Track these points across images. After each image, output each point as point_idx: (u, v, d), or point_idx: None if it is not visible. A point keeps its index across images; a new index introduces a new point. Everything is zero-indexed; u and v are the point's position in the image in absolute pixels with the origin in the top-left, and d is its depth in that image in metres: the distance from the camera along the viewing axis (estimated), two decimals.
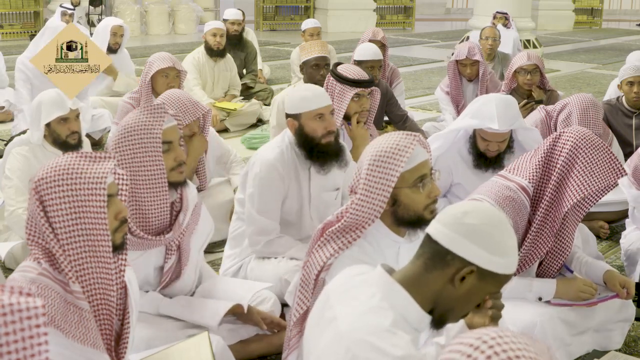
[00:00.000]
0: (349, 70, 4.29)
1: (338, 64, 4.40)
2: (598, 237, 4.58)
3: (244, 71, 8.26)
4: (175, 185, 3.06)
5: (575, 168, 3.06)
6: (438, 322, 1.92)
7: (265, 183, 3.58)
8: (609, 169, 3.04)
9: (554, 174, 3.11)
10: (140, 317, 2.83)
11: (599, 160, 3.05)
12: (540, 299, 3.17)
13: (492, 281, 1.87)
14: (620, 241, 4.24)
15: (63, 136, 4.13)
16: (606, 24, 21.47)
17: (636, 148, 5.12)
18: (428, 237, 1.89)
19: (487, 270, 1.84)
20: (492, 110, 3.88)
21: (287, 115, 3.60)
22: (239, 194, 3.81)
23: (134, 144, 2.92)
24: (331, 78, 4.29)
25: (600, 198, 3.19)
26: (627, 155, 4.84)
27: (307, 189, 3.68)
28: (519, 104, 4.41)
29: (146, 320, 3.00)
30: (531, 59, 5.67)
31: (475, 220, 1.84)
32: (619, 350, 3.35)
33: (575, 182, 3.05)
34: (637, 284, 3.53)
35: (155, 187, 2.95)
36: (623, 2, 24.80)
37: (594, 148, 3.07)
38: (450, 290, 1.87)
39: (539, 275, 3.27)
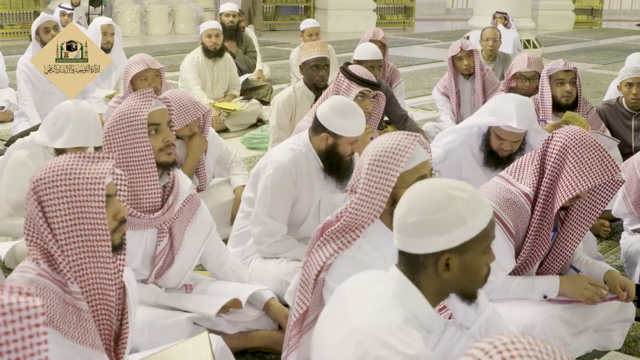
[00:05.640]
0: (358, 70, 4.64)
1: (349, 63, 4.84)
2: (598, 236, 4.58)
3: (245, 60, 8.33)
4: (164, 166, 3.15)
5: (565, 168, 3.05)
6: (465, 298, 1.93)
7: (278, 187, 3.58)
8: (602, 166, 3.02)
9: (546, 175, 3.11)
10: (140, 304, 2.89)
11: (589, 159, 3.03)
12: (545, 297, 3.16)
13: (476, 244, 1.86)
14: (620, 242, 4.24)
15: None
16: (606, 24, 21.46)
17: (635, 149, 5.13)
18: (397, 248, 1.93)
19: (461, 245, 1.83)
20: (511, 110, 3.89)
21: (324, 129, 3.49)
22: (247, 192, 3.81)
23: (124, 127, 3.05)
24: (341, 74, 4.58)
25: (609, 199, 3.17)
26: (626, 155, 4.84)
27: (320, 192, 3.69)
28: None
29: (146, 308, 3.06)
30: (531, 66, 5.61)
31: (415, 217, 1.84)
32: (619, 350, 3.34)
33: (566, 181, 3.03)
34: (637, 285, 3.52)
35: (145, 168, 3.06)
36: (623, 2, 24.79)
37: (584, 147, 3.05)
38: (445, 279, 1.88)
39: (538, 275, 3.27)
